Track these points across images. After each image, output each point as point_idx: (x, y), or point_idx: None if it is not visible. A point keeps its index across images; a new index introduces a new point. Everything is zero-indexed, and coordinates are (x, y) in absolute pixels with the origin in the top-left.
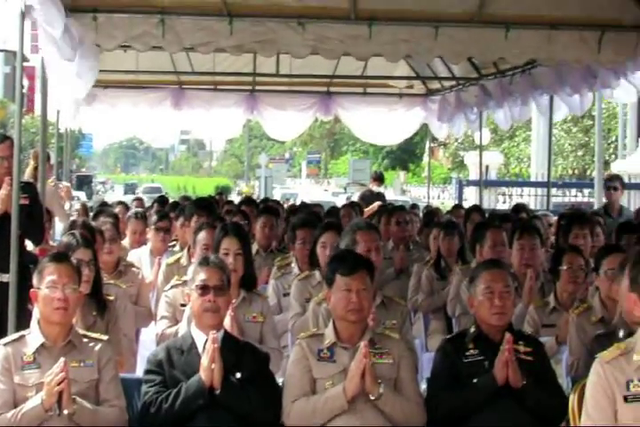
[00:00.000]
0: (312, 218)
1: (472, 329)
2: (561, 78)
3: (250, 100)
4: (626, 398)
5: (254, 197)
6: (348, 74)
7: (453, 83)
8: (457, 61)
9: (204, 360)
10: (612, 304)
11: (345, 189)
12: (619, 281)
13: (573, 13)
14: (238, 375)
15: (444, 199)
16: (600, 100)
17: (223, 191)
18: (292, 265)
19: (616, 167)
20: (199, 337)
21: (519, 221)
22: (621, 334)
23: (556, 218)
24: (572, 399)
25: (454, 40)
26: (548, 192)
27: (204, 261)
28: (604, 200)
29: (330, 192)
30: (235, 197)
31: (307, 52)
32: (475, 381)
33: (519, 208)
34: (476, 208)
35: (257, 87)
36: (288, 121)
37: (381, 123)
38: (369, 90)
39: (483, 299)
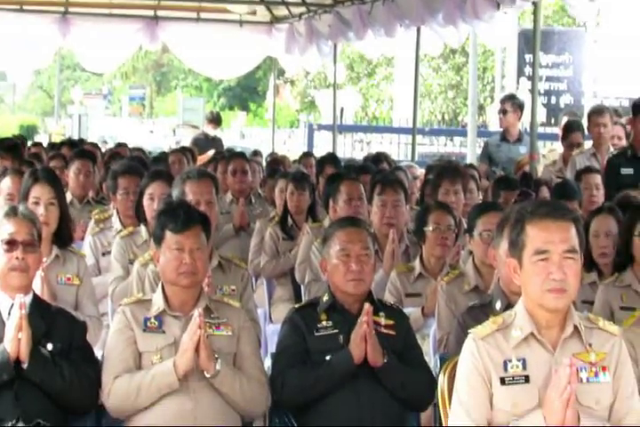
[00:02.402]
0: (137, 165)
1: (325, 298)
2: (430, 7)
3: (62, 23)
4: (503, 381)
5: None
6: None
7: (304, 9)
8: None
9: (10, 329)
10: (487, 271)
11: (174, 131)
12: (496, 244)
13: None
14: (49, 347)
15: (290, 146)
16: (474, 33)
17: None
18: (113, 219)
19: (492, 112)
20: (3, 301)
21: (380, 173)
22: (498, 305)
23: (422, 170)
24: (442, 381)
25: None
26: (413, 140)
27: (11, 212)
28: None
29: (156, 135)
30: (43, 139)
31: None
32: (328, 358)
33: (380, 158)
34: (330, 157)
35: (70, 9)
36: (107, 50)
37: (218, 53)
38: (203, 15)
39: (337, 263)
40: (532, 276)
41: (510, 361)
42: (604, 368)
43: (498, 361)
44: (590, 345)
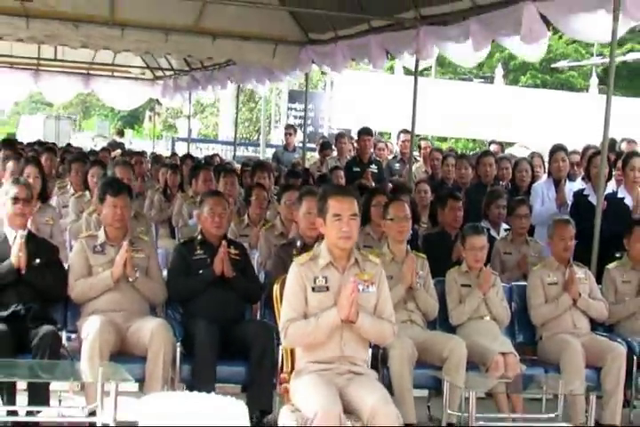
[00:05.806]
0: (81, 156)
1: (199, 237)
2: (248, 73)
3: (35, 74)
4: (313, 289)
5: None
6: (103, 62)
7: (172, 73)
8: (179, 58)
9: (14, 250)
10: (288, 224)
11: (93, 139)
12: (296, 208)
13: (256, 30)
14: (37, 261)
15: (158, 150)
16: (267, 89)
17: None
18: (68, 187)
19: (274, 134)
20: (10, 233)
21: (220, 166)
22: (298, 244)
23: (239, 166)
24: (276, 288)
25: (179, 43)
26: (234, 148)
27: (15, 181)
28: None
29: (83, 140)
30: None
31: (79, 44)
32: (200, 272)
33: (213, 157)
34: (188, 156)
35: (40, 67)
36: (60, 91)
37: (121, 96)
38: (116, 74)
39: (207, 216)
40: (331, 229)
41: (317, 278)
42: (372, 283)
43: (310, 277)
44: (364, 269)
